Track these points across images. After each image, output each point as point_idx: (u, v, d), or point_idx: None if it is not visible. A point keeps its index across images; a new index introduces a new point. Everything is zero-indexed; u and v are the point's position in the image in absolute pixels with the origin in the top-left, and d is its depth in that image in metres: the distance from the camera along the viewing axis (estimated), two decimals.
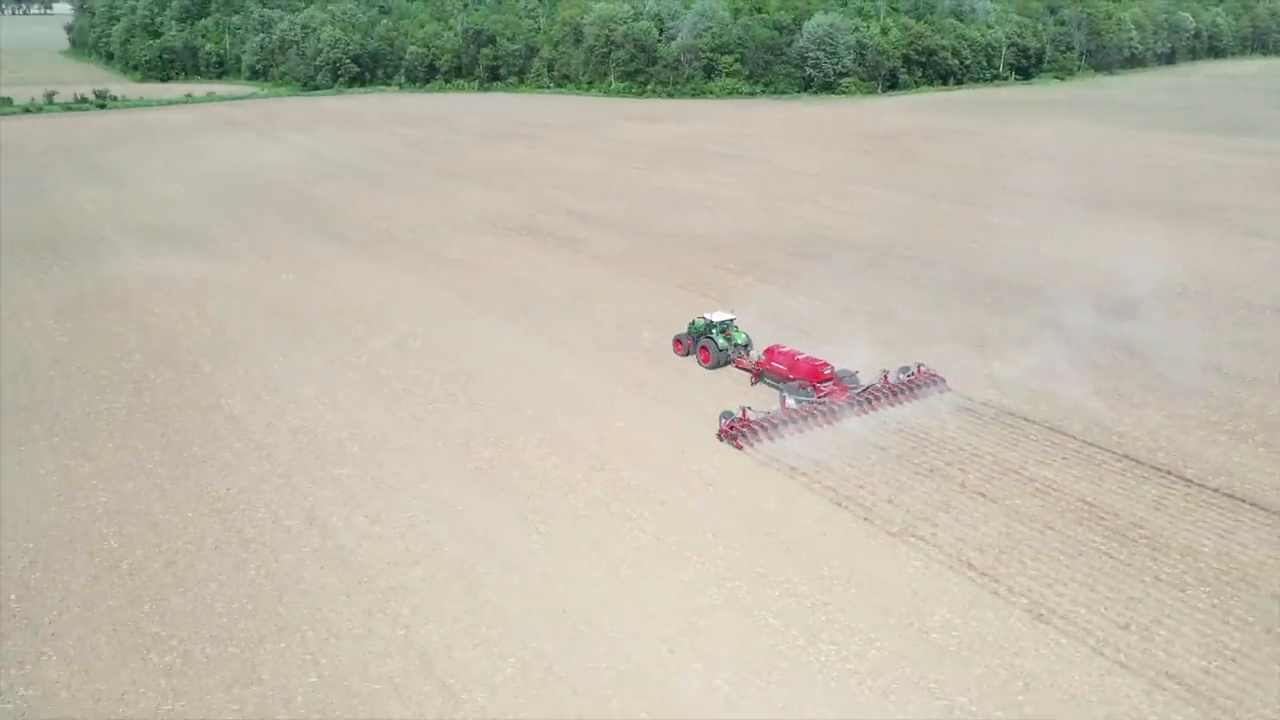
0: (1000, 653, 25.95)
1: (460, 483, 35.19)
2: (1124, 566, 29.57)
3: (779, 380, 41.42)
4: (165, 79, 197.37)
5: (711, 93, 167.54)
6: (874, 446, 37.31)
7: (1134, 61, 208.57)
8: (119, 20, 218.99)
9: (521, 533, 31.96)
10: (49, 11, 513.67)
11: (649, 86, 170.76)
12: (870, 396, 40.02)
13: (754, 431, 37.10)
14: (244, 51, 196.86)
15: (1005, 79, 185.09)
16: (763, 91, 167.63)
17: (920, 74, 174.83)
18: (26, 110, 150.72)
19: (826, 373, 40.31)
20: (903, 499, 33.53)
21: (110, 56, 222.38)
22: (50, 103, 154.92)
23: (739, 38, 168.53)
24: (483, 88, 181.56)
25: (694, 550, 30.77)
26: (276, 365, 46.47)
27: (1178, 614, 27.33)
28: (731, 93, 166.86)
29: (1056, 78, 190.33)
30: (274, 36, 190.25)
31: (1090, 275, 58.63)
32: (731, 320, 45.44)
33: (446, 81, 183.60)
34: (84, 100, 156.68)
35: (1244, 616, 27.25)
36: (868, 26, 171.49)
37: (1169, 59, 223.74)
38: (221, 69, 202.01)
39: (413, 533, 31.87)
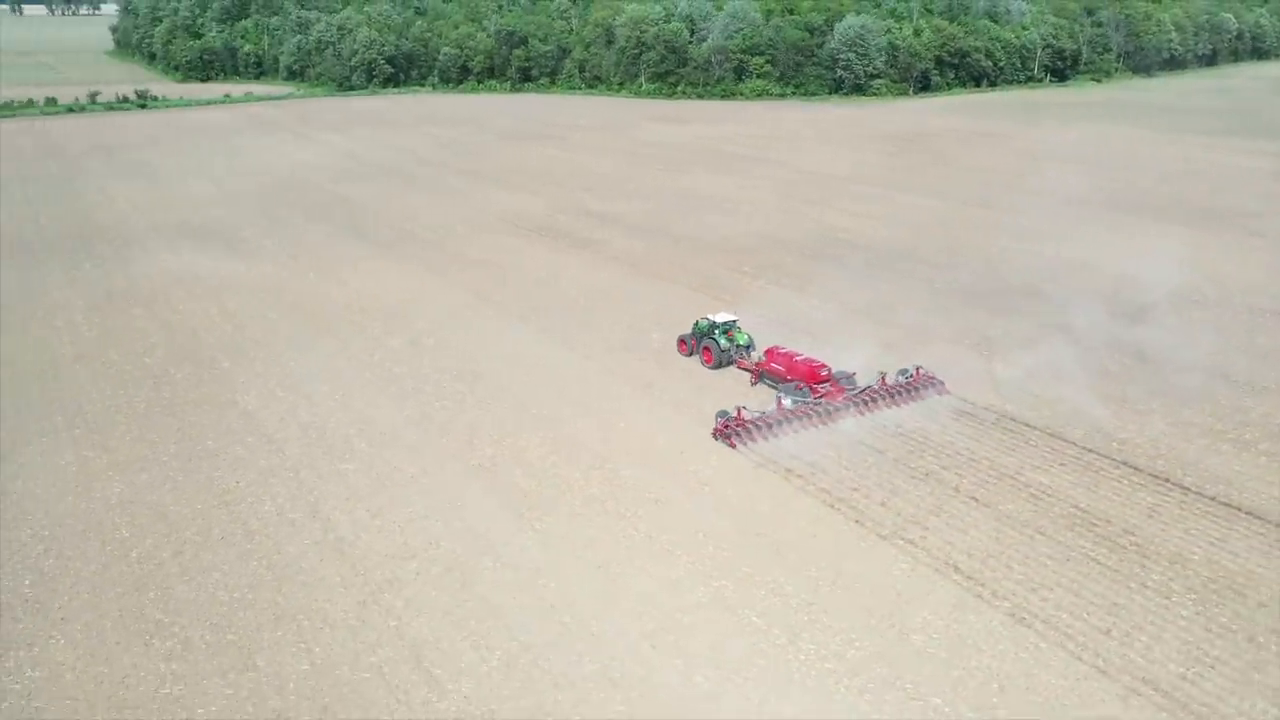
0: (979, 655, 26.24)
1: (461, 479, 36.00)
2: (1111, 573, 29.69)
3: (777, 381, 41.89)
4: (205, 79, 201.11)
5: (741, 94, 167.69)
6: (871, 449, 37.63)
7: (1174, 63, 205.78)
8: (161, 21, 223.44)
9: (517, 529, 32.69)
10: (97, 12, 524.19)
11: (679, 88, 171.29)
12: (866, 398, 40.32)
13: (748, 431, 37.58)
14: (281, 52, 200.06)
15: (1040, 81, 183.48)
16: (793, 93, 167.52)
17: (953, 76, 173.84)
18: (70, 110, 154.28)
19: (823, 374, 40.74)
20: (895, 502, 33.83)
21: (153, 57, 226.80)
22: (93, 102, 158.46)
23: (770, 39, 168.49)
24: (514, 89, 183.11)
25: (685, 549, 31.31)
26: (293, 362, 47.62)
27: (1160, 620, 27.45)
28: (761, 94, 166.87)
29: (1093, 80, 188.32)
30: (311, 37, 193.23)
31: (1106, 280, 58.34)
32: (734, 321, 45.99)
33: (479, 82, 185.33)
34: (125, 100, 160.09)
35: (1228, 624, 27.31)
36: (900, 28, 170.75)
37: (1210, 60, 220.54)
38: (260, 69, 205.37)
39: (411, 527, 32.72)
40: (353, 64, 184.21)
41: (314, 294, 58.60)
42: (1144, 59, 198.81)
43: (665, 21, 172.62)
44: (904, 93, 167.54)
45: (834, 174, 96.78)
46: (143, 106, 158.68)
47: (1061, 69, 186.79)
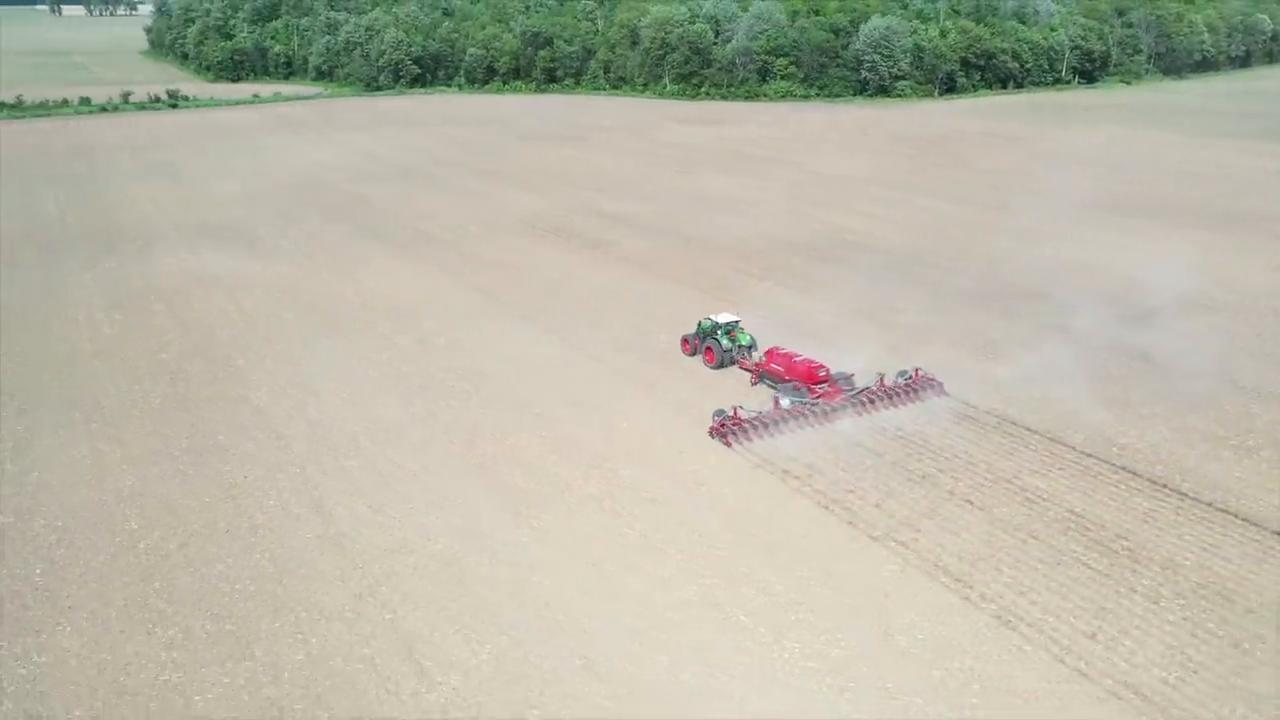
0: (961, 656, 26.47)
1: (462, 477, 36.63)
2: (1101, 577, 29.79)
3: (776, 381, 42.24)
4: (235, 79, 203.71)
5: (765, 95, 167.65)
6: (869, 451, 37.87)
7: (1205, 65, 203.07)
8: (194, 22, 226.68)
9: (514, 526, 33.25)
10: (134, 12, 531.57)
11: (703, 89, 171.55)
12: (864, 399, 40.55)
13: (744, 430, 37.95)
14: (311, 53, 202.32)
15: (1068, 83, 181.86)
16: (817, 94, 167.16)
17: (979, 77, 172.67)
18: (103, 109, 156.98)
19: (821, 375, 41.04)
20: (890, 504, 34.07)
21: (185, 57, 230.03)
22: (125, 102, 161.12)
23: (795, 40, 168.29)
24: (539, 89, 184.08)
25: (678, 548, 31.73)
26: (305, 360, 48.50)
27: (1146, 625, 27.54)
28: (785, 95, 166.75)
29: (1122, 82, 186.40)
30: (339, 38, 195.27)
31: (1116, 283, 58.11)
32: (736, 322, 46.39)
33: (504, 83, 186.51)
34: (157, 100, 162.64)
35: (1214, 630, 27.36)
36: (926, 29, 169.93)
37: (1244, 62, 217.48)
38: (289, 70, 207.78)
39: (410, 523, 33.37)
40: (380, 64, 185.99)
41: (328, 293, 59.54)
42: (1175, 61, 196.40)
43: (690, 23, 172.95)
44: (929, 95, 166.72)
45: (851, 176, 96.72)
46: (174, 106, 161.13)
47: (1090, 71, 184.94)
